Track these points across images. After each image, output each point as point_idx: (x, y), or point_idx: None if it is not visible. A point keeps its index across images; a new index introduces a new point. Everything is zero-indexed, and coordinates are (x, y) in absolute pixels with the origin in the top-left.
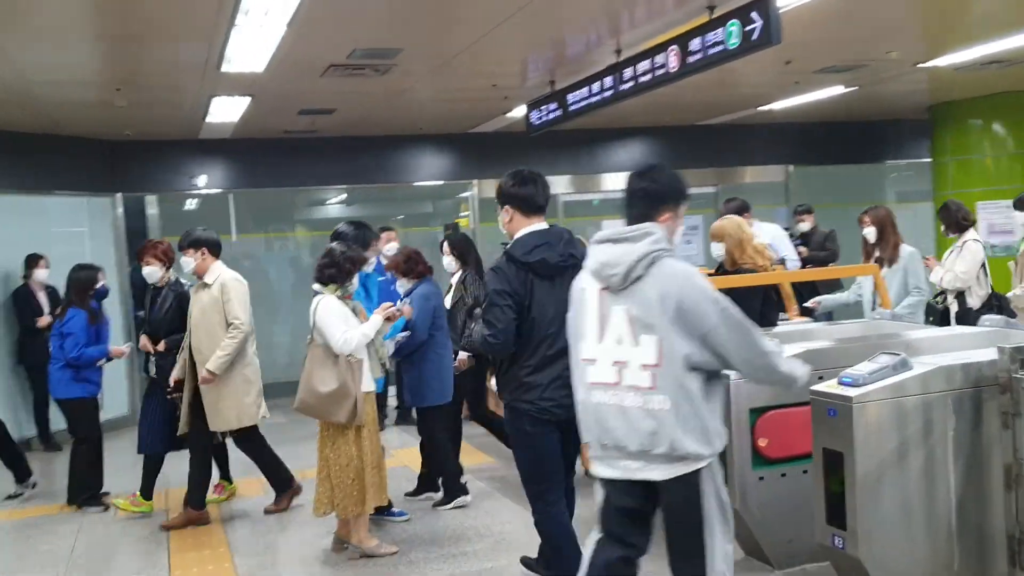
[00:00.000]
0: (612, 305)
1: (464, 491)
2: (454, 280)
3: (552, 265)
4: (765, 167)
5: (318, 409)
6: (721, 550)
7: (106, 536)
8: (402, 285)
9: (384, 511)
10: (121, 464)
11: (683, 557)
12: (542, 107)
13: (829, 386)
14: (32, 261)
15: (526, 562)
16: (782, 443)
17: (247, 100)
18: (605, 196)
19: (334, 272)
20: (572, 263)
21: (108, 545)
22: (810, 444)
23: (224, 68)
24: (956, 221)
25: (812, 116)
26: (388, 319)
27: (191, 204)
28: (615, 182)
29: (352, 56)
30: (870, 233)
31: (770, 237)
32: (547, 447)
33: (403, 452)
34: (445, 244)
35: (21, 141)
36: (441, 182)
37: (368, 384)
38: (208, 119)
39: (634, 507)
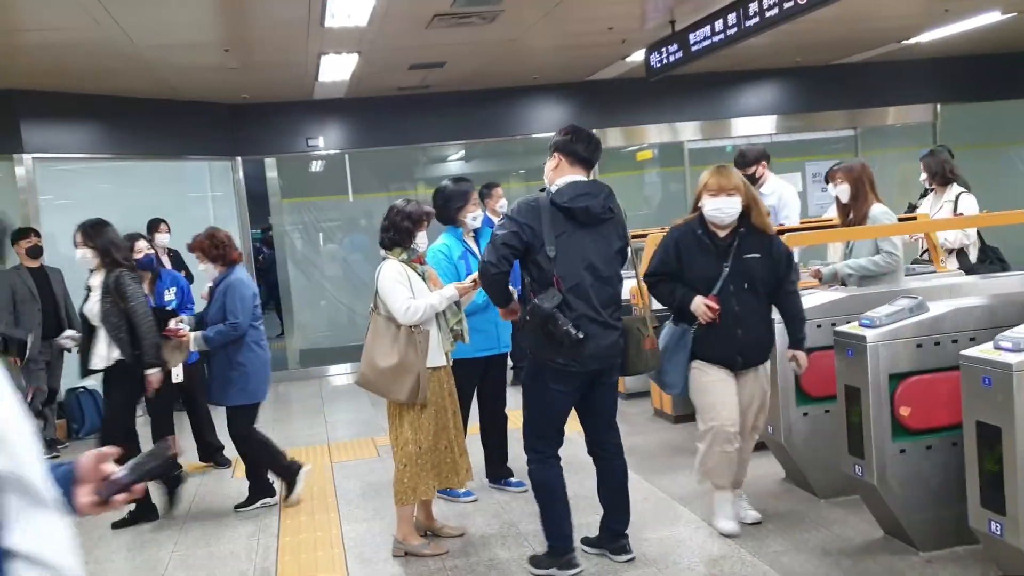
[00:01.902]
0: None
1: (272, 492)
2: None
3: (594, 214)
4: (909, 107)
5: (377, 385)
6: None
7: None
8: (206, 270)
9: (504, 479)
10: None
11: None
12: (662, 49)
13: (984, 351)
14: (153, 225)
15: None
16: (927, 413)
17: (355, 57)
18: (735, 143)
19: (392, 235)
20: (611, 216)
21: (222, 501)
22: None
23: (328, 23)
24: (943, 173)
25: (962, 48)
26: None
27: (309, 166)
28: (746, 127)
29: (456, 3)
30: (843, 191)
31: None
32: (563, 406)
33: (516, 414)
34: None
35: (144, 107)
36: None
37: (437, 359)
38: (320, 78)
39: None
